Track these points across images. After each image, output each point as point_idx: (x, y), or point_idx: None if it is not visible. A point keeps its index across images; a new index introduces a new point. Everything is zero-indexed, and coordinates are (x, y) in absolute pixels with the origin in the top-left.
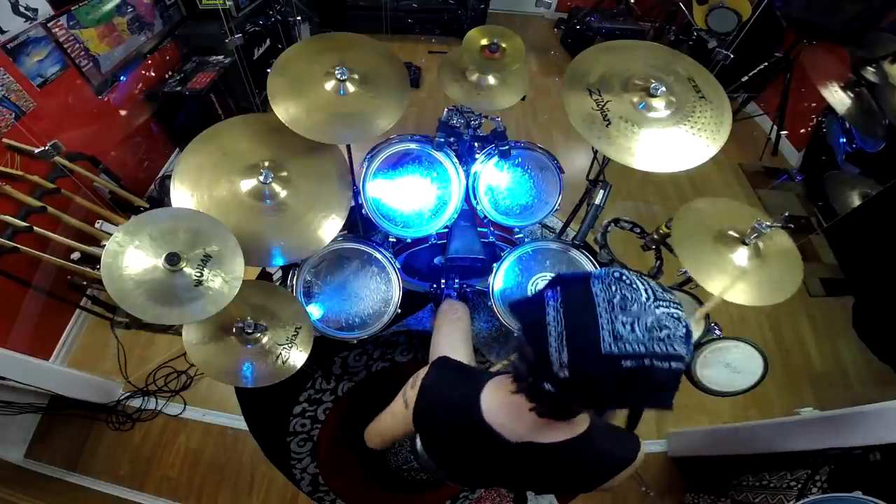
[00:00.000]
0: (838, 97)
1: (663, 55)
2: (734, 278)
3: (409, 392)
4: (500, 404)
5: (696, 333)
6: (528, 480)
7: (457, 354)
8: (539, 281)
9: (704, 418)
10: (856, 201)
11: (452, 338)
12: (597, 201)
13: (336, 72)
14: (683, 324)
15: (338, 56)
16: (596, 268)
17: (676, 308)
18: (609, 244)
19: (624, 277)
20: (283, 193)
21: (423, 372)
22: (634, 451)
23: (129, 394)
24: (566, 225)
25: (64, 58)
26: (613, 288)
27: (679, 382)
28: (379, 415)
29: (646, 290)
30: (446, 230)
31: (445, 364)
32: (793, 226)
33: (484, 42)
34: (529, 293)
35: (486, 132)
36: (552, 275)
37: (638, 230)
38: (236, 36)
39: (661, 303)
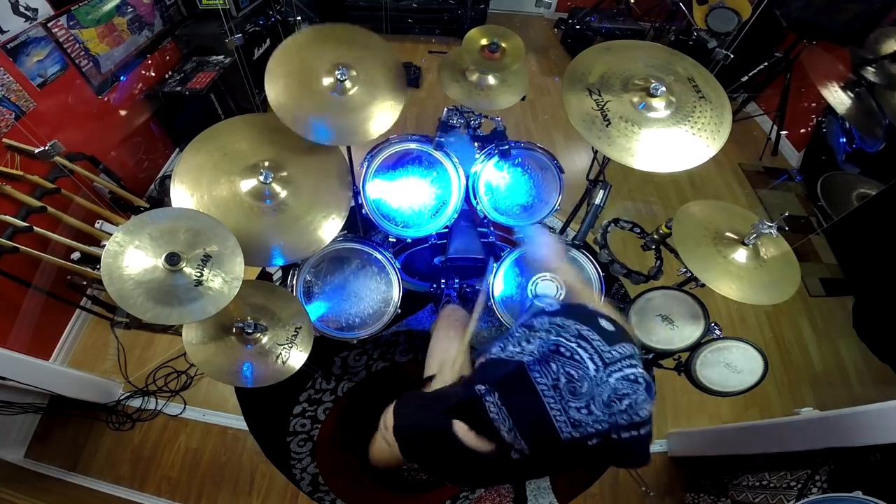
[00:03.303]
0: (838, 97)
1: (663, 55)
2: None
3: (387, 436)
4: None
5: (697, 333)
6: (526, 475)
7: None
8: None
9: (704, 418)
10: (855, 201)
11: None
12: (597, 201)
13: (336, 72)
14: (643, 382)
15: (338, 55)
16: (596, 269)
17: (630, 365)
18: (609, 244)
19: (562, 348)
20: (283, 193)
21: (389, 419)
22: None
23: (129, 394)
24: (566, 225)
25: (64, 58)
26: (554, 367)
27: (650, 440)
28: (373, 440)
29: (591, 359)
30: (446, 230)
31: (407, 405)
32: (787, 228)
33: (484, 42)
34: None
35: (486, 132)
36: (537, 288)
37: (638, 230)
38: (236, 36)
39: (612, 368)
